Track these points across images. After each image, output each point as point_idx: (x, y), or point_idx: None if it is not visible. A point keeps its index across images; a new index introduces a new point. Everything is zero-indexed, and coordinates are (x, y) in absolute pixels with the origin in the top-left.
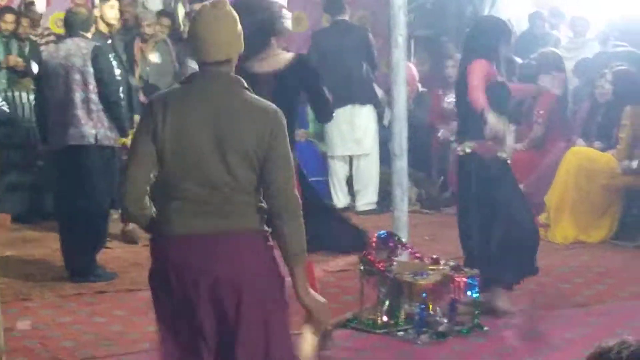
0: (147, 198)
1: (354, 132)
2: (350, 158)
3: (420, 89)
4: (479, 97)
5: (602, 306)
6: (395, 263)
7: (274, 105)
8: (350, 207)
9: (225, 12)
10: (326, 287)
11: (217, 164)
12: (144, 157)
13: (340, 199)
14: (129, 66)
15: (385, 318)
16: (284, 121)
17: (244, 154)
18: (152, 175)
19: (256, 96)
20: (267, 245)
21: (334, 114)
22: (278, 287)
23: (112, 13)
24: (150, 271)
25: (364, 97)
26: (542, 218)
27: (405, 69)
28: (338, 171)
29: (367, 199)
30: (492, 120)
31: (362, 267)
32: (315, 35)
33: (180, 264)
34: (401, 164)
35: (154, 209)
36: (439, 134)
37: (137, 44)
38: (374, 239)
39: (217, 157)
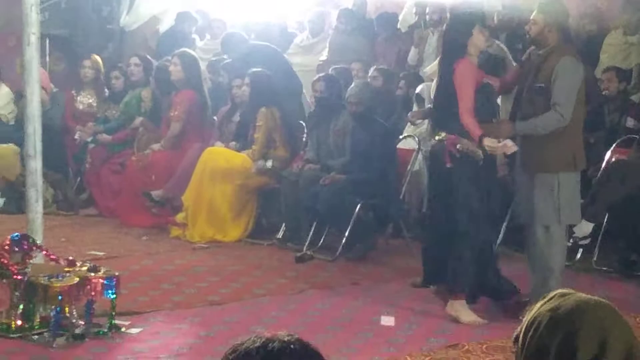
0: None
1: None
2: None
3: (54, 89)
4: (471, 123)
5: (237, 303)
6: (29, 265)
7: None
8: None
9: None
10: None
11: None
12: None
13: None
14: None
15: (19, 322)
16: None
17: None
18: None
19: None
20: None
21: None
22: None
23: None
24: None
25: None
26: (179, 217)
27: (38, 69)
28: None
29: None
30: (490, 144)
31: None
32: None
33: None
34: (36, 165)
35: None
36: (76, 136)
37: None
38: (7, 241)
39: None
